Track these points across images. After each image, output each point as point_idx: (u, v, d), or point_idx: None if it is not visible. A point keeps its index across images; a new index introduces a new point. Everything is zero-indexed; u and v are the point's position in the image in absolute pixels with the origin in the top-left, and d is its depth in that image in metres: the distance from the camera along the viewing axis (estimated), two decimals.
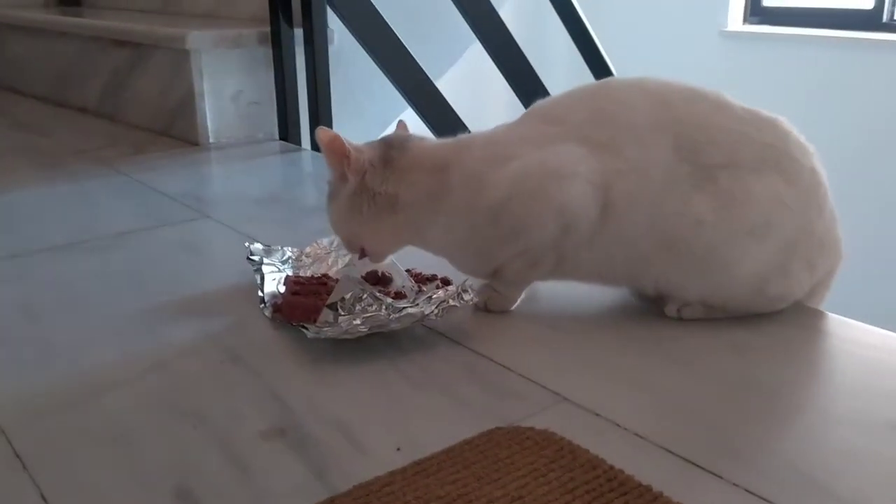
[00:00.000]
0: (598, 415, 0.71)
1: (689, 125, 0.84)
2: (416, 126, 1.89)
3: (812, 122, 0.88)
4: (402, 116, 2.11)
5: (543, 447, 0.66)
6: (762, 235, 0.83)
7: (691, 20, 3.90)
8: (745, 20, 3.88)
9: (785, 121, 0.88)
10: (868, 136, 3.32)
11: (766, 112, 0.88)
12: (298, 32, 1.78)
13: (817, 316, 0.92)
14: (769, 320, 0.89)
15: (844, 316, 0.92)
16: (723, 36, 3.86)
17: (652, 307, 0.91)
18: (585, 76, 2.45)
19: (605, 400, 0.73)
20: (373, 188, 0.89)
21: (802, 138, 0.88)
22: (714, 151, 0.83)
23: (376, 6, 1.75)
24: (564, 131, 0.87)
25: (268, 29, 1.81)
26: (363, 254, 0.93)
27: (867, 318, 0.91)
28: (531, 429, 0.68)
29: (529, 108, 0.94)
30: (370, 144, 0.92)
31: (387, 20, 1.76)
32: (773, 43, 3.71)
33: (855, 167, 2.99)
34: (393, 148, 0.91)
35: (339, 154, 0.89)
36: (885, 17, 3.44)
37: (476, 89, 2.87)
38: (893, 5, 3.43)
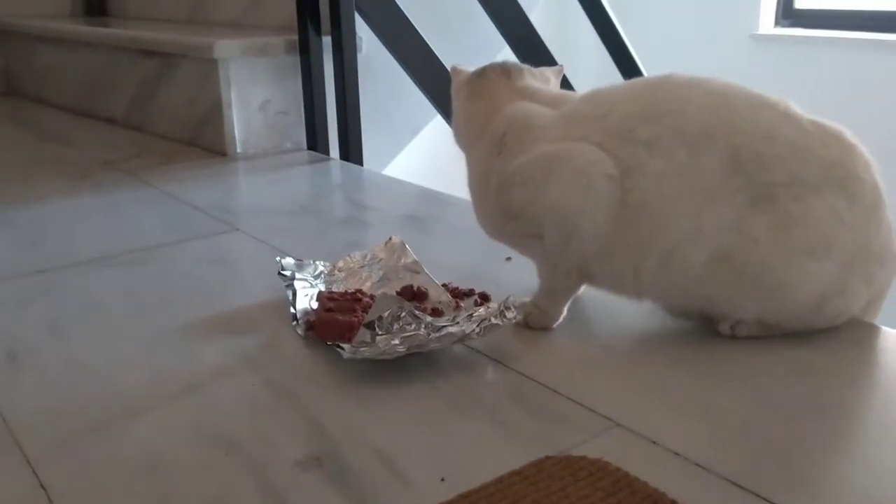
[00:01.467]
0: (654, 442, 0.67)
1: (751, 135, 0.79)
2: (447, 133, 1.86)
3: (846, 127, 0.84)
4: (431, 123, 2.10)
5: (598, 478, 0.62)
6: (821, 256, 0.79)
7: (722, 23, 3.84)
8: (777, 23, 3.82)
9: (849, 133, 0.83)
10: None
11: (830, 123, 0.83)
12: (326, 40, 1.76)
13: (872, 330, 0.87)
14: (826, 337, 0.84)
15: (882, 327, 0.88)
16: (754, 39, 3.80)
17: (697, 324, 0.86)
18: (615, 78, 2.40)
19: (662, 426, 0.69)
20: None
21: (865, 151, 0.83)
22: (775, 167, 0.78)
23: (405, 13, 1.72)
24: (600, 126, 0.83)
25: (295, 37, 1.78)
26: None
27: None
28: (584, 458, 0.64)
29: (590, 92, 0.89)
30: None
31: (416, 27, 1.73)
32: (805, 46, 3.65)
33: (892, 173, 2.92)
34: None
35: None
36: None
37: None
38: None
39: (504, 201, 0.86)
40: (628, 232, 0.80)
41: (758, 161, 0.79)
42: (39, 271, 1.10)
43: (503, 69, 0.94)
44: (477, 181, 0.91)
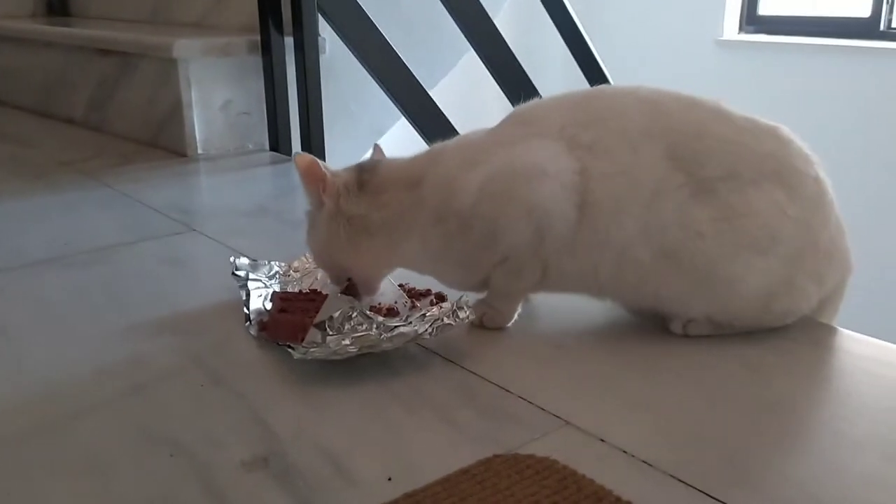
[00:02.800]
0: (602, 440, 0.67)
1: (685, 134, 0.81)
2: (410, 136, 1.86)
3: (809, 131, 0.86)
4: (395, 126, 2.09)
5: (545, 476, 0.61)
6: (765, 249, 0.80)
7: (687, 29, 3.88)
8: (741, 29, 3.87)
9: (785, 129, 0.84)
10: (865, 144, 3.30)
11: (765, 120, 0.84)
12: (289, 41, 1.75)
13: (828, 331, 0.88)
14: (779, 336, 0.85)
15: (839, 328, 0.88)
16: (718, 45, 3.83)
17: (652, 323, 0.87)
18: (581, 84, 2.41)
19: (610, 424, 0.69)
20: (347, 212, 0.86)
21: (805, 146, 0.84)
22: (711, 162, 0.80)
23: (369, 15, 1.72)
24: (542, 131, 0.83)
25: (257, 37, 1.77)
26: (350, 288, 0.89)
27: (864, 331, 0.87)
28: (531, 456, 0.64)
29: (509, 113, 0.90)
30: (346, 169, 0.90)
31: (380, 29, 1.73)
32: (769, 51, 3.69)
33: (852, 176, 2.96)
34: (364, 171, 0.89)
35: (315, 178, 0.87)
36: (882, 26, 3.42)
37: (471, 98, 2.84)
38: (891, 13, 3.41)
39: (473, 234, 0.83)
40: (588, 230, 0.81)
41: (693, 158, 0.80)
42: None
43: (373, 161, 0.91)
44: (442, 250, 0.86)
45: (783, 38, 3.67)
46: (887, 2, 3.39)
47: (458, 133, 1.87)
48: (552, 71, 3.31)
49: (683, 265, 0.80)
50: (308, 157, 0.87)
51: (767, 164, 0.81)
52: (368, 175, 0.88)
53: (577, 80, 2.45)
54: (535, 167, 0.80)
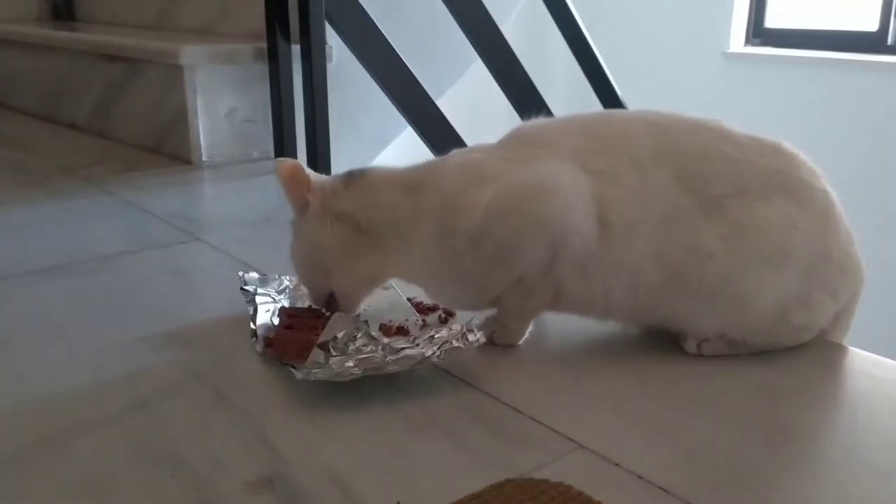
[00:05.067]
0: (618, 465, 0.65)
1: (691, 157, 0.80)
2: (415, 147, 1.84)
3: (815, 144, 0.85)
4: (401, 135, 2.07)
5: (560, 502, 0.59)
6: (778, 264, 0.78)
7: (693, 41, 3.87)
8: (748, 41, 3.86)
9: (788, 144, 0.84)
10: (872, 158, 3.28)
11: (768, 137, 0.84)
12: (295, 49, 1.73)
13: (842, 352, 0.86)
14: (793, 358, 0.83)
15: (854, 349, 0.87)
16: (725, 57, 3.83)
17: (663, 340, 0.85)
18: (587, 94, 2.41)
19: (626, 448, 0.67)
20: (334, 208, 0.83)
21: (809, 160, 0.83)
22: (719, 182, 0.79)
23: (377, 23, 1.70)
24: (552, 154, 0.82)
25: (264, 45, 1.75)
26: (332, 303, 0.86)
27: (872, 346, 0.86)
28: (545, 481, 0.62)
29: (512, 131, 0.88)
30: (333, 175, 0.87)
31: (387, 37, 1.71)
32: (775, 64, 3.68)
33: (858, 189, 2.94)
34: (352, 174, 0.86)
35: (299, 182, 0.84)
36: (890, 40, 3.40)
37: (477, 108, 2.82)
38: None
39: (483, 254, 0.80)
40: (601, 253, 0.79)
41: (701, 178, 0.79)
42: None
43: (363, 168, 0.87)
44: (444, 267, 0.83)
45: (790, 51, 3.67)
46: (894, 16, 3.38)
47: (465, 144, 1.87)
48: (557, 80, 3.30)
49: (696, 285, 0.78)
50: (290, 160, 0.84)
51: (775, 178, 0.80)
52: (357, 176, 0.85)
53: (582, 88, 2.44)
54: (550, 183, 0.79)
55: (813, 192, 0.81)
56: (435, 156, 1.67)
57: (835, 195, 0.83)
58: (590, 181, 0.79)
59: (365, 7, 1.68)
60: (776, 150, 0.82)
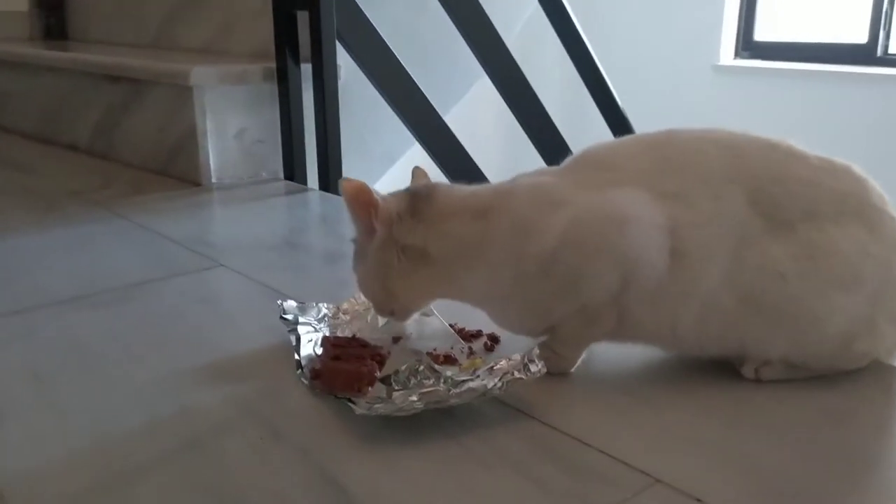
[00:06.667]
0: (699, 500, 0.63)
1: (764, 178, 0.79)
2: (423, 163, 1.83)
3: None
4: (408, 152, 2.06)
5: None
6: (849, 288, 0.77)
7: (683, 54, 3.89)
8: (737, 54, 3.89)
9: (857, 167, 0.83)
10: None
11: (839, 159, 0.83)
12: (304, 68, 1.72)
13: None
14: (850, 381, 0.82)
15: None
16: (715, 70, 3.86)
17: (716, 366, 0.84)
18: (586, 103, 2.41)
19: (704, 480, 0.66)
20: (401, 241, 0.82)
21: (877, 184, 0.82)
22: (791, 204, 0.78)
23: (385, 41, 1.69)
24: (623, 178, 0.81)
25: (272, 64, 1.74)
26: (395, 313, 0.86)
27: None
28: None
29: (578, 154, 0.87)
30: (395, 195, 0.85)
31: (396, 55, 1.70)
32: (765, 77, 3.71)
33: None
34: (419, 198, 0.84)
35: (365, 204, 0.82)
36: (879, 52, 3.44)
37: (479, 125, 2.82)
38: (888, 39, 3.43)
39: (553, 280, 0.79)
40: (672, 281, 0.78)
41: (772, 201, 0.78)
42: (14, 312, 1.03)
43: (427, 187, 0.85)
44: (511, 292, 0.81)
45: (779, 63, 3.70)
46: (884, 28, 3.42)
47: (471, 158, 1.86)
48: (553, 94, 3.30)
49: (767, 308, 0.77)
50: (356, 181, 0.82)
51: (848, 202, 0.79)
52: (424, 202, 0.83)
53: (580, 93, 2.44)
54: (627, 213, 0.77)
55: (884, 218, 0.80)
56: (444, 174, 1.65)
57: None
58: (663, 209, 0.78)
59: (375, 25, 1.68)
60: (847, 174, 0.81)
